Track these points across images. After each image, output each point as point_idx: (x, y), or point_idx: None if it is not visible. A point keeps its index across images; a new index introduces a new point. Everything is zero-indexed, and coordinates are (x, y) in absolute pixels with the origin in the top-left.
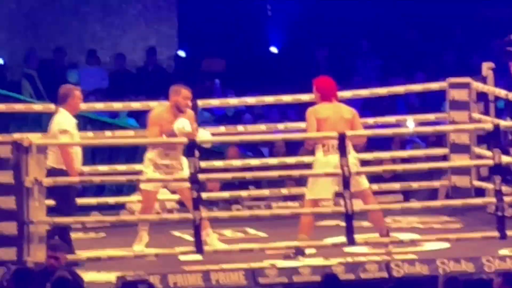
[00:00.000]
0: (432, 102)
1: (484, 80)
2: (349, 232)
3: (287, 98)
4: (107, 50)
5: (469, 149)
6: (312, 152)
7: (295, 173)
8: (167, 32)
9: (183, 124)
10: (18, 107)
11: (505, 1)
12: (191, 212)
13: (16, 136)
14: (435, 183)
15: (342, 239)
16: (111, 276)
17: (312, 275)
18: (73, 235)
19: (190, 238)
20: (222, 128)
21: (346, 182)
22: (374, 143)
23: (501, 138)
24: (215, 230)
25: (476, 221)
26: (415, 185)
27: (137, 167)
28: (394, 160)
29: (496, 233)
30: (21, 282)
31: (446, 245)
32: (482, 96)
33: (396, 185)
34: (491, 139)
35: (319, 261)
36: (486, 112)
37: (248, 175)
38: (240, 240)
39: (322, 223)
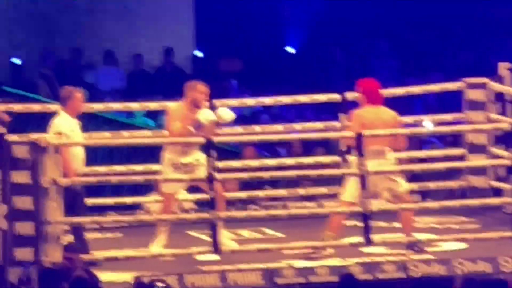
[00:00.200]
0: (449, 102)
1: (501, 80)
2: (366, 232)
3: (304, 98)
4: (124, 51)
5: (486, 149)
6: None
7: (312, 173)
8: (184, 32)
9: (208, 113)
10: (35, 107)
11: None
12: (208, 212)
13: (33, 136)
14: (452, 183)
15: (360, 239)
16: (128, 276)
17: (330, 276)
18: (91, 235)
19: (207, 238)
20: (239, 128)
21: (362, 182)
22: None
23: None
24: (232, 230)
25: (493, 221)
26: (432, 185)
27: (154, 167)
28: (411, 160)
29: None
30: (41, 282)
31: (463, 245)
32: (499, 96)
33: (414, 185)
34: (508, 139)
35: (336, 262)
36: (503, 112)
37: (265, 175)
38: (257, 240)
39: None
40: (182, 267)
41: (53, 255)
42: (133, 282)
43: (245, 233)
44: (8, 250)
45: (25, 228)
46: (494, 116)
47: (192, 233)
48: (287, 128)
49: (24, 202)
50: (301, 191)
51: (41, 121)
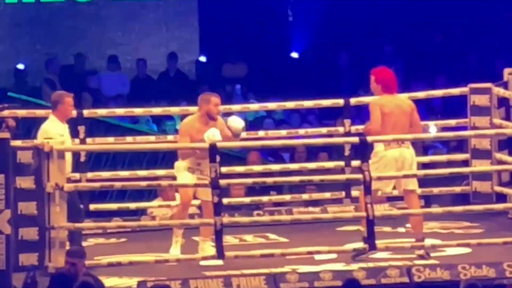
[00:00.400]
0: (454, 106)
1: (505, 85)
2: (370, 237)
3: (308, 103)
4: (128, 56)
5: (490, 154)
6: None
7: (316, 178)
8: (188, 37)
9: (213, 133)
10: (39, 112)
11: None
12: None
13: (37, 141)
14: (456, 189)
15: (363, 244)
16: (132, 281)
17: (333, 280)
18: (95, 241)
19: (211, 243)
20: (243, 133)
21: (367, 187)
22: None
23: None
24: (237, 235)
25: (497, 227)
26: (436, 190)
27: (158, 172)
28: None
29: None
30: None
31: (467, 250)
32: (503, 102)
33: (418, 190)
34: None
35: (340, 266)
36: (507, 118)
37: (269, 180)
38: (261, 245)
39: (343, 228)
40: (186, 272)
41: (57, 260)
42: (137, 287)
43: (249, 238)
44: (12, 255)
45: (29, 233)
46: (498, 121)
47: (196, 238)
48: (291, 133)
49: (28, 207)
50: (305, 196)
51: None
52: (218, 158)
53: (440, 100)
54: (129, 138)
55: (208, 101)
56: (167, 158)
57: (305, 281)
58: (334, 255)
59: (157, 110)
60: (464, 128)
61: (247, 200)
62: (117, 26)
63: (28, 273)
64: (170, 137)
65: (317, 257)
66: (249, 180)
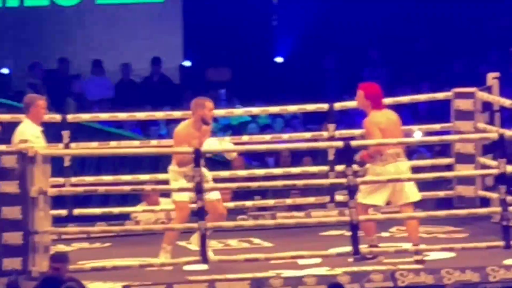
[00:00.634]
0: (439, 111)
1: (489, 90)
2: (354, 242)
3: (292, 108)
4: (112, 60)
5: (474, 158)
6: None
7: (300, 182)
8: (172, 42)
9: (210, 144)
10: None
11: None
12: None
13: (14, 143)
14: (440, 193)
15: (347, 248)
16: (116, 286)
17: (317, 285)
18: (79, 245)
19: (195, 247)
20: (227, 138)
21: (350, 191)
22: None
23: (506, 148)
24: (221, 240)
25: (481, 231)
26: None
27: (142, 177)
28: None
29: (501, 243)
30: None
31: (451, 254)
32: (487, 106)
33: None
34: (496, 148)
35: (324, 271)
36: (491, 122)
37: (253, 184)
38: (245, 250)
39: (327, 233)
40: (170, 277)
41: (41, 265)
42: None
43: (233, 242)
44: None
45: (13, 238)
46: (482, 125)
47: (180, 243)
48: (275, 138)
49: (12, 212)
50: (289, 201)
51: None
52: (202, 163)
53: (424, 104)
54: (113, 143)
55: (203, 106)
56: (151, 163)
57: (289, 285)
58: (318, 260)
59: (141, 115)
60: (448, 132)
61: (231, 204)
62: (101, 31)
63: (9, 277)
64: (153, 142)
65: (301, 261)
66: (234, 185)
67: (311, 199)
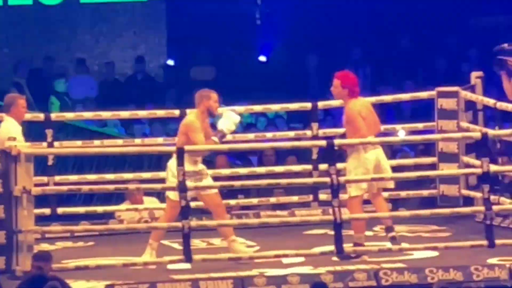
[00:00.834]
0: (422, 110)
1: (472, 89)
2: (338, 241)
3: (275, 107)
4: (96, 59)
5: (458, 158)
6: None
7: (284, 181)
8: (155, 41)
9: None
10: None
11: (496, 11)
12: (180, 221)
13: (10, 143)
14: (424, 192)
15: (331, 248)
16: (100, 285)
17: (301, 284)
18: (62, 244)
19: (178, 246)
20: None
21: (334, 190)
22: None
23: (489, 147)
24: (204, 239)
25: (464, 230)
26: (403, 193)
27: (125, 176)
28: None
29: (484, 242)
30: None
31: (434, 253)
32: (470, 105)
33: (385, 194)
34: (479, 148)
35: (307, 270)
36: (474, 121)
37: (237, 183)
38: (228, 249)
39: (311, 232)
40: (154, 276)
41: (25, 264)
42: None
43: (217, 241)
44: None
45: None
46: (465, 124)
47: (164, 242)
48: (258, 137)
49: None
50: (273, 199)
51: None
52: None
53: (408, 103)
54: (97, 142)
55: (208, 97)
56: (135, 162)
57: (272, 284)
58: (301, 259)
59: (125, 114)
60: (431, 131)
61: None
62: (85, 30)
63: None
64: (137, 141)
65: (285, 260)
66: (217, 184)
67: (294, 198)
